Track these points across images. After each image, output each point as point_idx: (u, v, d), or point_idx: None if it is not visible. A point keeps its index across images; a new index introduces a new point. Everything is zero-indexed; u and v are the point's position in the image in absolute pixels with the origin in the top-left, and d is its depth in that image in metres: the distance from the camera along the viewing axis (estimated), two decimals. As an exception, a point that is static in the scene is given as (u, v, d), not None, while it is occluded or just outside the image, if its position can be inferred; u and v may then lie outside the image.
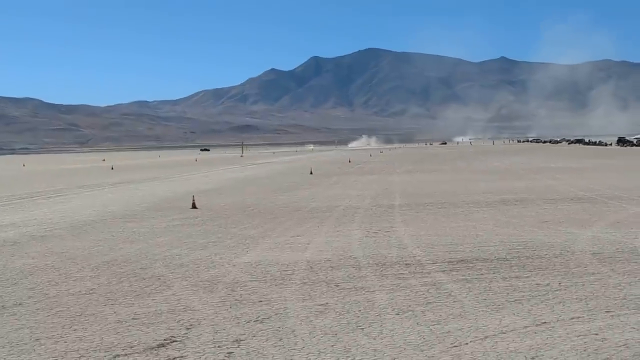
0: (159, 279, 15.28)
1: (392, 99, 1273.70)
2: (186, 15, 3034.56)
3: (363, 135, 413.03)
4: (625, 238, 19.12)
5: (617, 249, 17.45)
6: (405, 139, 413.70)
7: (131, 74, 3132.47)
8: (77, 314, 12.35)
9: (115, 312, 12.41)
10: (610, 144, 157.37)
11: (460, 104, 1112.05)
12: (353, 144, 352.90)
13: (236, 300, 13.04)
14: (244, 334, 10.76)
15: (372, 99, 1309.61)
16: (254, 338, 10.54)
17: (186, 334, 10.90)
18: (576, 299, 12.38)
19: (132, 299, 13.38)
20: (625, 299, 12.28)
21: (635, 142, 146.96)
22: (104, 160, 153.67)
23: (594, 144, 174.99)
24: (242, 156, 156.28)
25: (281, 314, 11.92)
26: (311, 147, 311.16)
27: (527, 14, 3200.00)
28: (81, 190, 48.28)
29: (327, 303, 12.57)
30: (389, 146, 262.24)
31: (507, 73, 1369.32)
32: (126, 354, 10.03)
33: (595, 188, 35.84)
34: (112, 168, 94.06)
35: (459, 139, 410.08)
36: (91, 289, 14.40)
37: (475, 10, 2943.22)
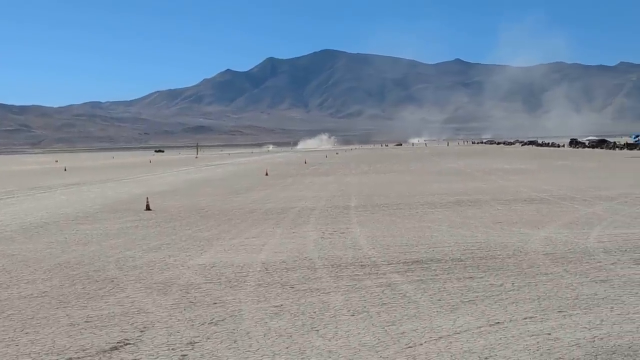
0: (112, 281, 15.15)
1: (348, 100, 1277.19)
2: (140, 17, 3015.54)
3: (323, 134, 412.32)
4: (578, 238, 19.33)
5: (570, 249, 17.63)
6: (362, 140, 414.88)
7: (84, 74, 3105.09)
8: (29, 317, 12.19)
9: (67, 315, 12.27)
10: (563, 146, 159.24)
11: (415, 105, 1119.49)
12: (308, 143, 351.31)
13: (190, 302, 12.96)
14: (198, 337, 10.69)
15: (328, 100, 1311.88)
16: (208, 340, 10.48)
17: (140, 336, 10.81)
18: (529, 299, 12.48)
19: (85, 302, 13.24)
20: (577, 298, 12.40)
21: (587, 144, 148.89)
22: (56, 161, 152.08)
23: (547, 145, 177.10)
24: (196, 157, 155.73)
25: (236, 316, 11.87)
26: (269, 147, 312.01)
27: (481, 17, 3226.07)
28: (33, 191, 47.72)
29: (282, 305, 12.54)
30: (344, 147, 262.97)
31: (462, 75, 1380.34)
32: (79, 357, 9.91)
33: (548, 189, 36.21)
34: (65, 169, 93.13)
35: (414, 140, 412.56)
36: (43, 292, 14.23)
37: (431, 13, 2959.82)
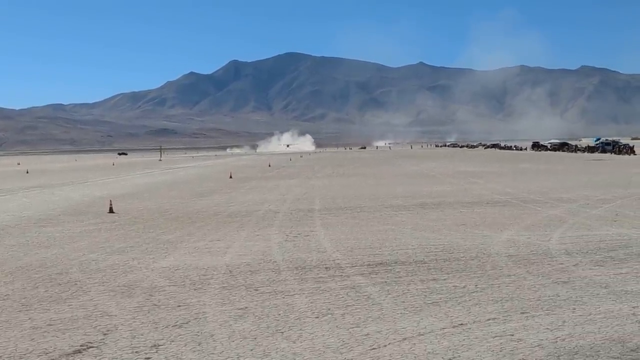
0: (76, 284, 15.04)
1: (311, 104, 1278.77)
2: (102, 19, 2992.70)
3: (288, 132, 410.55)
4: (540, 240, 19.49)
5: (532, 251, 17.77)
6: (325, 143, 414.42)
7: (46, 76, 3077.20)
8: (-9, 321, 12.08)
9: (30, 318, 12.17)
10: (525, 149, 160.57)
11: (380, 108, 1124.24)
12: (270, 144, 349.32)
13: (154, 305, 12.91)
14: (162, 339, 10.65)
15: (292, 103, 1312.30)
16: (173, 343, 10.45)
17: (103, 339, 10.75)
18: (492, 300, 12.56)
19: (48, 305, 13.14)
20: (539, 300, 12.51)
21: (549, 147, 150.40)
22: (18, 164, 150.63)
23: (509, 148, 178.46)
24: (160, 160, 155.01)
25: (200, 318, 11.83)
26: (236, 150, 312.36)
27: (444, 22, 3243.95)
28: (-5, 194, 47.23)
29: (246, 307, 12.52)
30: (309, 150, 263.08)
31: (427, 78, 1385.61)
32: (41, 361, 9.85)
33: (510, 191, 36.47)
34: (27, 172, 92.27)
35: (379, 143, 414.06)
36: (5, 295, 14.10)
37: (395, 16, 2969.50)
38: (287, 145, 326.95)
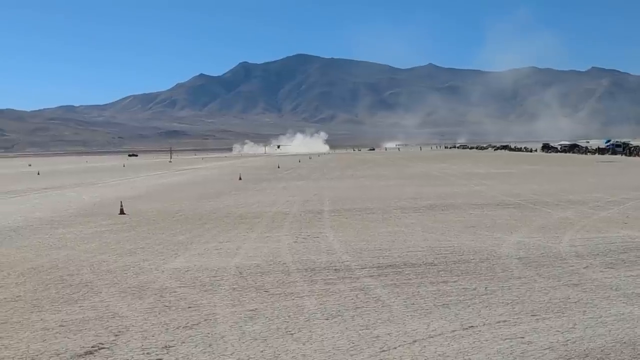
0: (87, 285, 15.08)
1: (320, 105, 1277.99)
2: (113, 21, 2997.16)
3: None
4: (550, 243, 19.46)
5: (542, 253, 17.74)
6: (335, 144, 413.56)
7: (58, 78, 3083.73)
8: (2, 322, 12.12)
9: (41, 319, 12.21)
10: (536, 150, 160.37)
11: (389, 110, 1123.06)
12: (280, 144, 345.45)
13: (165, 306, 12.94)
14: (173, 340, 10.68)
15: (301, 104, 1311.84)
16: (183, 344, 10.47)
17: (114, 340, 10.78)
18: (502, 302, 12.56)
19: (59, 306, 13.18)
20: (550, 302, 12.50)
21: (559, 148, 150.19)
22: (30, 165, 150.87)
23: (519, 150, 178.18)
24: (170, 162, 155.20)
25: (210, 320, 11.86)
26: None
27: (453, 23, 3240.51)
28: (6, 195, 47.38)
29: (256, 309, 12.54)
30: (321, 151, 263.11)
31: (436, 79, 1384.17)
32: (53, 362, 9.89)
33: (521, 193, 36.41)
34: (39, 173, 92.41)
35: (389, 144, 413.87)
36: (17, 296, 14.15)
37: (403, 18, 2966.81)
38: (278, 147, 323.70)
